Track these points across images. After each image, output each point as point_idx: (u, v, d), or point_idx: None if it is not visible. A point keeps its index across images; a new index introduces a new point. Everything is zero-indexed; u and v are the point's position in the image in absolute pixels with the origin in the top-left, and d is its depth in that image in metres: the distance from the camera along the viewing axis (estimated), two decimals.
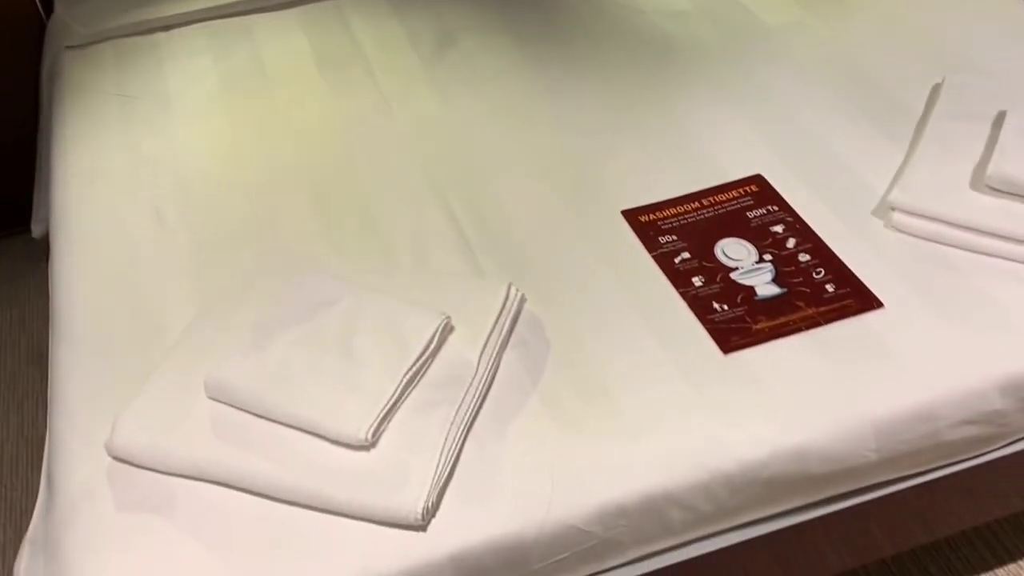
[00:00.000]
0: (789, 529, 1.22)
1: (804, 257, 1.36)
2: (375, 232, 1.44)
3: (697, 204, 1.45)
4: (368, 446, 1.10)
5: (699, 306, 1.29)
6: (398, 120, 1.66)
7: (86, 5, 1.97)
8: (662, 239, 1.40)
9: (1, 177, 2.21)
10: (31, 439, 1.92)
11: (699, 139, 1.58)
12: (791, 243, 1.38)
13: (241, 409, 1.14)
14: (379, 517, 1.06)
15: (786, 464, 1.15)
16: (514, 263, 1.38)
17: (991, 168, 1.38)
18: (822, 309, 1.28)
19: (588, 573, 1.15)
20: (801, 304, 1.29)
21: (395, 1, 1.97)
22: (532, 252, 1.39)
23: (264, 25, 1.92)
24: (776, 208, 1.44)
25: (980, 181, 1.39)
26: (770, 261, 1.35)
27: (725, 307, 1.29)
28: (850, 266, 1.33)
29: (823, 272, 1.33)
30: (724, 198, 1.46)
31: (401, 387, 1.13)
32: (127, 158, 1.61)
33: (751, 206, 1.44)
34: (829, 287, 1.31)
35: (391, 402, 1.12)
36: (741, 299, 1.30)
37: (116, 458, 1.13)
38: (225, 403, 1.15)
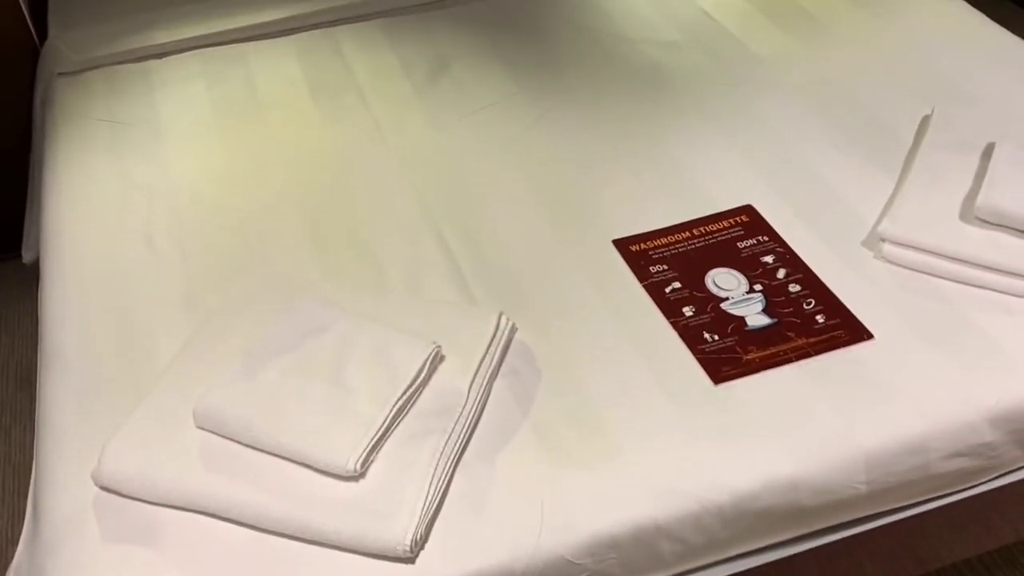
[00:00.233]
0: (780, 562, 1.21)
1: (794, 288, 1.36)
2: (367, 259, 1.44)
3: (688, 234, 1.46)
4: (357, 476, 1.09)
5: (690, 336, 1.29)
6: (391, 147, 1.67)
7: (80, 31, 1.98)
8: (653, 268, 1.40)
9: None
10: (18, 465, 1.90)
11: (691, 169, 1.59)
12: (781, 273, 1.38)
13: (229, 439, 1.13)
14: (367, 548, 1.05)
15: (777, 496, 1.14)
16: (506, 291, 1.38)
17: (980, 199, 1.38)
18: (812, 340, 1.28)
19: None
20: (791, 335, 1.29)
21: (388, 29, 1.99)
22: (524, 281, 1.39)
23: (258, 52, 1.93)
24: (766, 238, 1.44)
25: (970, 212, 1.40)
26: (760, 291, 1.36)
27: (716, 337, 1.29)
28: (840, 297, 1.34)
29: (813, 303, 1.33)
30: (715, 228, 1.47)
31: (390, 417, 1.13)
32: (119, 184, 1.61)
33: (741, 236, 1.45)
34: (819, 318, 1.31)
35: (380, 432, 1.11)
36: (732, 329, 1.30)
37: (103, 488, 1.12)
38: (213, 432, 1.14)
